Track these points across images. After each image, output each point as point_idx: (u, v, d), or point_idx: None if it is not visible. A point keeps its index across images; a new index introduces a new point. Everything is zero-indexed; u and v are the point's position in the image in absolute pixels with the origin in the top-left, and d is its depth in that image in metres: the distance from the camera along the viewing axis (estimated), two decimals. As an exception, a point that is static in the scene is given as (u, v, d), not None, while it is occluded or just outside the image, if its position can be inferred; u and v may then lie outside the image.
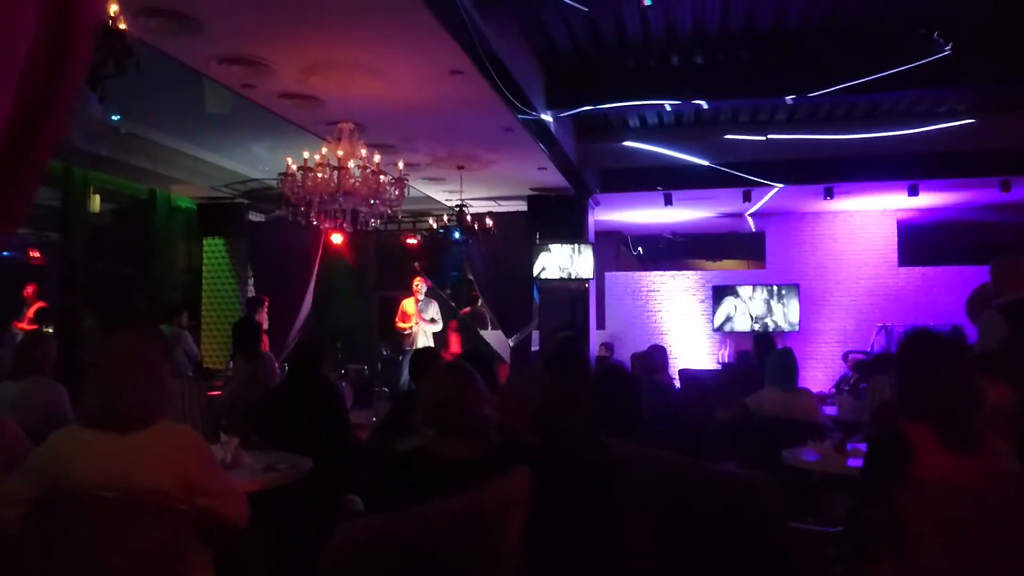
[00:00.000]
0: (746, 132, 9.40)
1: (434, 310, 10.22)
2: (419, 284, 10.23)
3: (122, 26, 3.18)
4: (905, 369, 2.59)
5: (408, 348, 10.02)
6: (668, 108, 8.25)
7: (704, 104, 8.18)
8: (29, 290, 8.69)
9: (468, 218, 8.89)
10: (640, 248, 15.18)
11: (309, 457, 3.57)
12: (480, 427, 2.60)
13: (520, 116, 6.78)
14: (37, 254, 10.11)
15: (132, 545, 2.13)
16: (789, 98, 7.65)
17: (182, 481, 2.19)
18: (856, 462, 3.53)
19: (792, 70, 7.52)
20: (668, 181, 9.70)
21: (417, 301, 10.14)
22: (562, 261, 10.26)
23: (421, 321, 10.07)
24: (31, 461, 2.25)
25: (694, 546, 2.83)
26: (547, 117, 7.56)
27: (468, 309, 11.80)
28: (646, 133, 9.78)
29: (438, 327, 10.24)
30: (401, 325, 10.24)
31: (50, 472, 2.16)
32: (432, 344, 9.87)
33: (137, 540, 2.14)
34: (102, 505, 2.13)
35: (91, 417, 2.20)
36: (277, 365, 6.15)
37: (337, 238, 10.24)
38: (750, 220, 11.75)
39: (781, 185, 9.61)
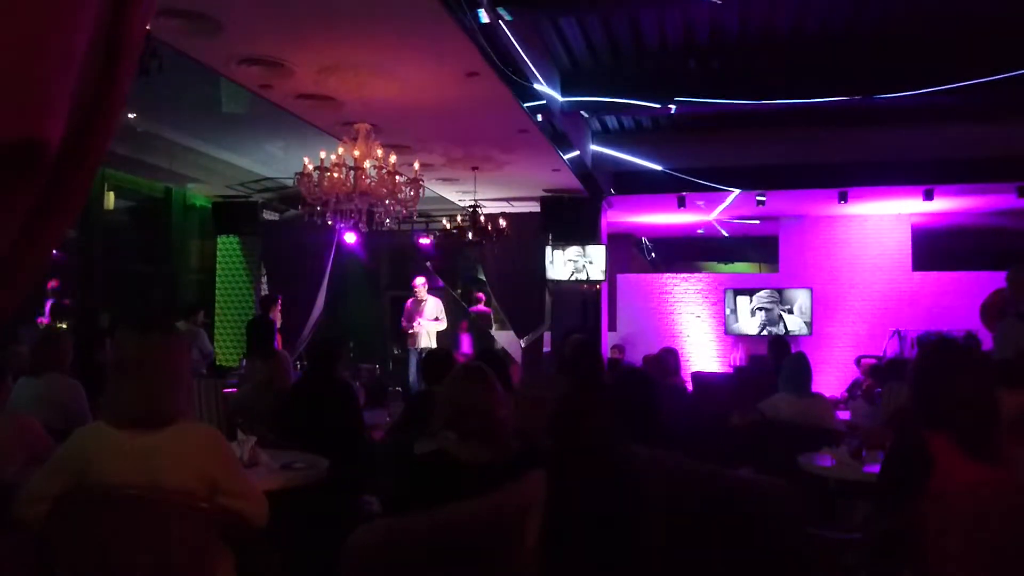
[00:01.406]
0: (761, 135, 9.38)
1: (438, 309, 10.20)
2: (420, 283, 10.22)
3: (147, 27, 3.20)
4: (924, 380, 2.57)
5: (412, 347, 10.04)
6: (680, 110, 8.24)
7: (718, 104, 8.16)
8: (51, 285, 8.74)
9: (482, 219, 8.90)
10: (653, 250, 15.17)
11: (325, 457, 3.59)
12: (499, 430, 2.61)
13: (534, 118, 6.78)
14: (56, 251, 10.18)
15: (156, 543, 2.15)
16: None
17: (205, 479, 2.21)
18: (872, 468, 3.51)
19: (813, 73, 7.52)
20: (681, 183, 9.68)
21: (420, 301, 10.13)
22: (575, 263, 10.26)
23: (424, 320, 10.06)
24: (57, 458, 2.27)
25: (712, 553, 2.83)
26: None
27: (481, 302, 11.81)
28: (660, 135, 9.77)
29: (442, 326, 10.22)
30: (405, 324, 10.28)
31: (76, 469, 2.19)
32: (435, 344, 9.87)
33: (161, 538, 2.16)
34: (127, 503, 2.15)
35: (122, 416, 2.22)
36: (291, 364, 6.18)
37: (351, 237, 10.28)
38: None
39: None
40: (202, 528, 2.19)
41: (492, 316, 11.59)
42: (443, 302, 10.37)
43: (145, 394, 2.21)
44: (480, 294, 11.76)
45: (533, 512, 2.53)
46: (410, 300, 10.24)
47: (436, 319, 10.10)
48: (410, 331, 10.11)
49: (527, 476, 2.52)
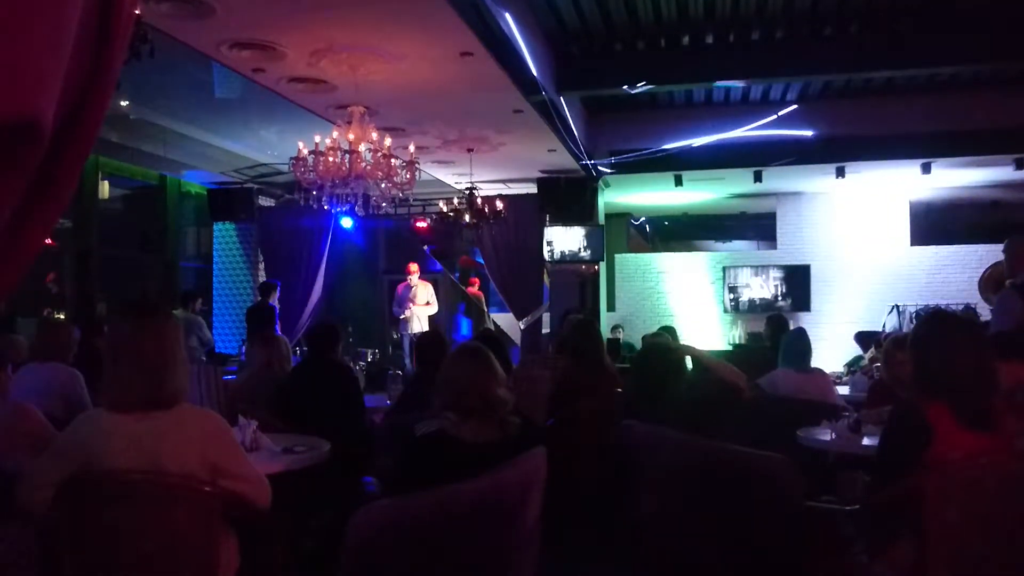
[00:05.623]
0: (757, 111, 9.34)
1: (429, 294, 10.22)
2: (413, 268, 10.24)
3: (136, 11, 3.16)
4: (922, 349, 2.58)
5: (405, 332, 10.07)
6: (678, 88, 8.20)
7: (715, 84, 8.14)
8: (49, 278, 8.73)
9: (478, 201, 8.87)
10: (650, 230, 15.16)
11: (326, 439, 3.59)
12: (499, 409, 2.61)
13: (530, 98, 6.76)
14: (50, 241, 10.16)
15: (160, 527, 2.16)
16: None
17: (207, 463, 2.22)
18: (872, 441, 3.53)
19: (807, 48, 7.48)
20: (678, 162, 9.64)
21: (411, 287, 10.13)
22: (572, 243, 10.25)
23: (415, 306, 10.06)
24: (59, 444, 2.28)
25: (713, 527, 2.85)
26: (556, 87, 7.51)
27: (475, 285, 11.80)
28: (656, 112, 9.73)
29: (433, 310, 10.24)
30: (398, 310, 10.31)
31: (79, 455, 2.19)
32: (427, 328, 9.86)
33: (164, 522, 2.17)
34: (131, 488, 2.16)
35: (122, 400, 2.22)
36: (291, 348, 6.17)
37: (347, 222, 10.26)
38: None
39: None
40: (206, 511, 2.20)
41: (483, 299, 11.66)
42: (441, 284, 10.38)
43: (143, 377, 2.21)
44: (474, 278, 11.81)
45: (535, 490, 2.54)
46: (401, 285, 10.26)
47: (427, 304, 10.12)
48: (402, 316, 10.14)
49: (528, 454, 2.53)
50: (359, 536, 2.35)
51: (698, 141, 9.25)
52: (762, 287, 11.76)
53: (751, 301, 11.79)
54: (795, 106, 9.01)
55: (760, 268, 11.84)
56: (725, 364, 4.05)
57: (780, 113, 8.88)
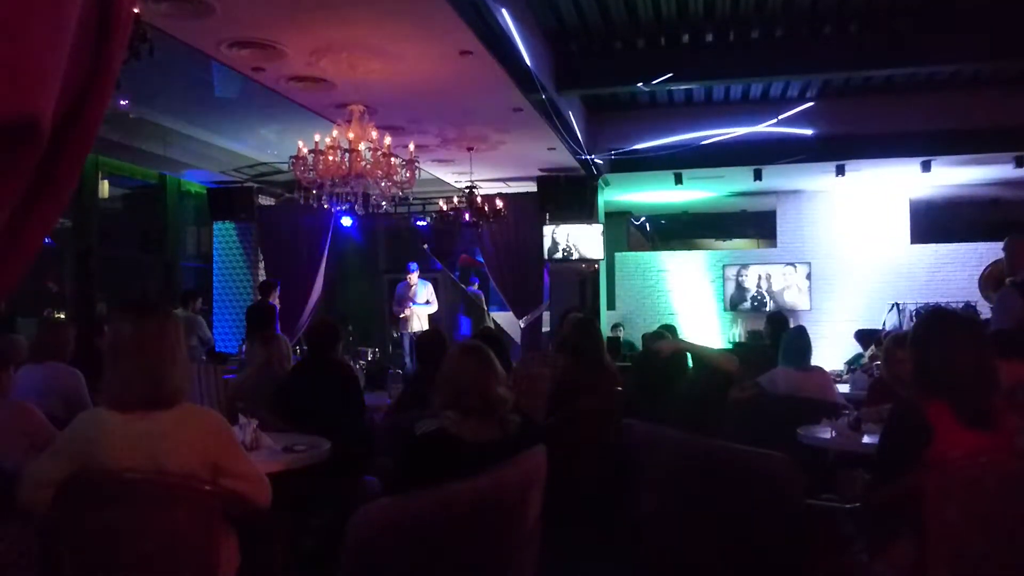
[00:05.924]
0: (758, 109, 9.33)
1: (428, 293, 10.20)
2: (413, 267, 10.21)
3: (135, 10, 3.16)
4: (921, 348, 2.58)
5: (405, 331, 10.05)
6: (678, 87, 8.20)
7: (713, 84, 8.14)
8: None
9: (478, 200, 8.87)
10: (650, 228, 15.14)
11: (327, 439, 3.59)
12: (499, 407, 2.61)
13: (529, 96, 6.75)
14: (50, 240, 10.15)
15: (160, 527, 2.17)
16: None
17: (207, 462, 2.22)
18: (872, 439, 3.53)
19: (807, 47, 7.48)
20: (678, 160, 9.63)
21: (411, 286, 10.10)
22: (572, 242, 10.25)
23: (415, 304, 10.03)
24: (59, 444, 2.28)
25: (712, 526, 2.85)
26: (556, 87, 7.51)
27: (474, 284, 11.78)
28: (656, 111, 9.72)
29: (433, 309, 10.22)
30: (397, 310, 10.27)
31: (80, 454, 2.19)
32: (427, 327, 9.84)
33: (164, 522, 2.17)
34: (131, 487, 2.16)
35: (122, 399, 2.23)
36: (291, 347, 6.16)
37: (347, 221, 10.25)
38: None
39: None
40: (206, 511, 2.20)
41: (483, 298, 11.65)
42: (441, 284, 10.35)
43: (143, 376, 2.21)
44: (474, 278, 11.80)
45: (535, 489, 2.54)
46: (401, 284, 10.25)
47: (427, 303, 10.10)
48: (401, 315, 10.12)
49: (528, 453, 2.53)
50: (359, 536, 2.35)
51: (703, 139, 9.23)
52: (762, 285, 11.76)
53: (751, 299, 11.79)
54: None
55: (760, 266, 11.84)
56: (716, 352, 4.07)
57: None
